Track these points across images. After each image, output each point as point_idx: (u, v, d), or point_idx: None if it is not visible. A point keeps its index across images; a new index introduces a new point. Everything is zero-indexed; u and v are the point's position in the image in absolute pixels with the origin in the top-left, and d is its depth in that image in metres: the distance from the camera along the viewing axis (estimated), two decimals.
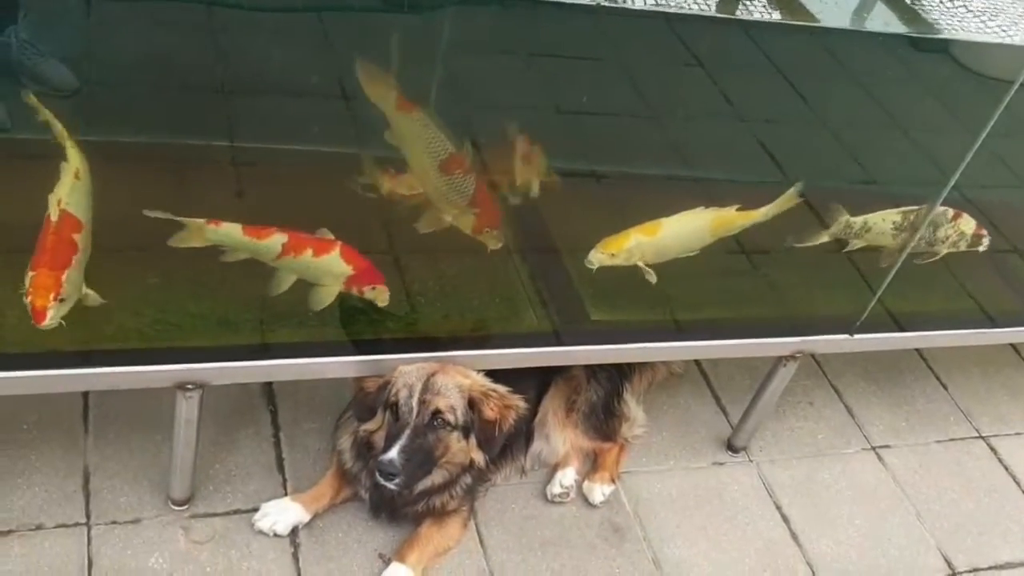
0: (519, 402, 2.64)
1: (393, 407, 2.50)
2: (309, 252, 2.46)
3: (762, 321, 3.09)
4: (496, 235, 2.67)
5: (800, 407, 3.52)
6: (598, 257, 2.68)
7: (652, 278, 2.73)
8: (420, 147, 2.52)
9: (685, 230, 2.78)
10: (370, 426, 2.58)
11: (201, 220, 2.38)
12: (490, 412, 2.56)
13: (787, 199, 2.83)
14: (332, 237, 2.51)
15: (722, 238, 2.85)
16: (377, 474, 2.47)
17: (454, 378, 2.53)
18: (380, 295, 2.56)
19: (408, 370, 2.53)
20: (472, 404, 2.53)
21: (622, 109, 2.96)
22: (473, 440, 2.57)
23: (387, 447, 2.46)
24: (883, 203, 3.20)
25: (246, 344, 2.54)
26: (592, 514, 2.96)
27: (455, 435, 2.53)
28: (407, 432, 2.46)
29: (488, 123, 2.82)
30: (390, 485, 2.48)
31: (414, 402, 2.47)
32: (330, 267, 2.49)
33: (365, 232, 2.53)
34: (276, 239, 2.42)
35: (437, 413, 2.48)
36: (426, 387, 2.49)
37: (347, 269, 2.50)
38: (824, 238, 2.99)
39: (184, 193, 2.64)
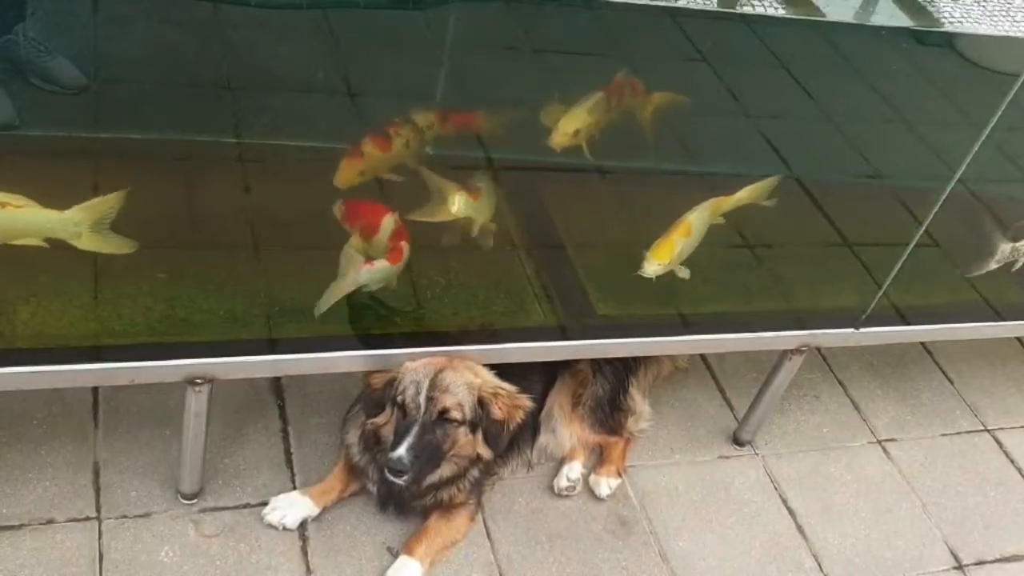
0: (526, 401, 2.66)
1: (401, 403, 2.51)
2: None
3: (767, 315, 3.10)
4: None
5: (805, 401, 3.53)
6: (654, 268, 2.68)
7: (687, 274, 2.77)
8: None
9: (702, 221, 2.82)
10: (378, 420, 2.60)
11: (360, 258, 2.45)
12: (499, 412, 2.57)
13: (768, 186, 2.87)
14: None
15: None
16: (386, 471, 2.49)
17: (462, 374, 2.54)
18: None
19: (415, 366, 2.54)
20: (481, 403, 2.55)
21: None
22: (480, 434, 2.58)
23: (395, 444, 2.47)
24: (887, 197, 3.22)
25: (255, 339, 2.55)
26: (598, 507, 2.97)
27: (462, 430, 2.55)
28: (415, 429, 2.47)
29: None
30: (399, 481, 2.50)
31: (422, 399, 2.48)
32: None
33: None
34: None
35: (445, 410, 2.50)
36: (433, 384, 2.50)
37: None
38: (992, 266, 3.05)
39: (190, 190, 2.65)
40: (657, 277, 2.71)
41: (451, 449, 2.56)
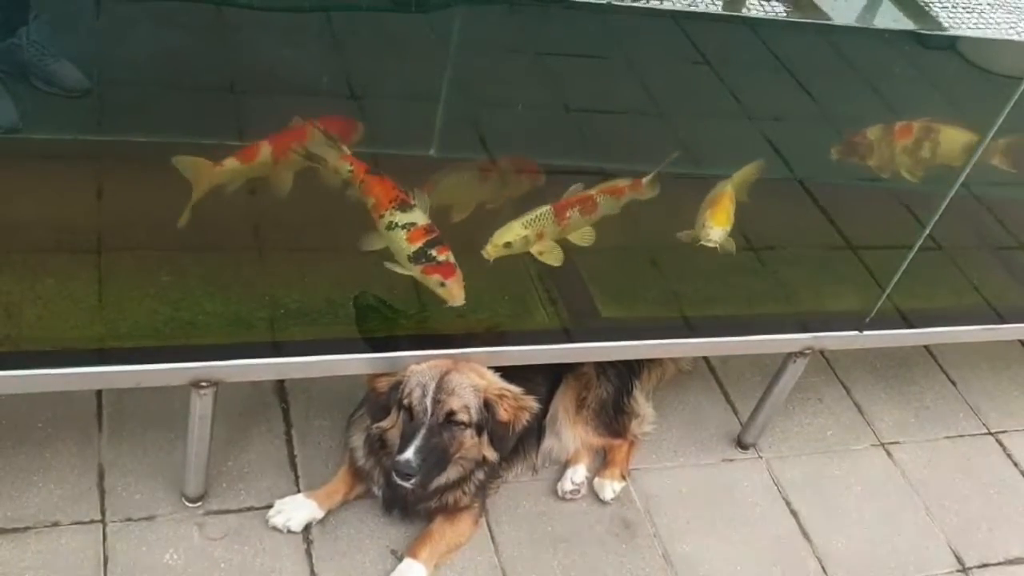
0: (532, 403, 2.65)
1: (407, 406, 2.51)
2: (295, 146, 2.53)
3: (771, 318, 3.09)
4: None
5: (809, 403, 3.52)
6: (718, 234, 2.72)
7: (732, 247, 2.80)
8: None
9: (735, 195, 2.86)
10: (384, 424, 2.59)
11: None
12: (504, 414, 2.57)
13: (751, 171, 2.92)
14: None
15: None
16: (393, 474, 2.48)
17: (467, 376, 2.54)
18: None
19: (421, 369, 2.54)
20: (487, 405, 2.55)
21: (629, 107, 2.97)
22: (485, 437, 2.58)
23: (403, 447, 2.47)
24: (891, 200, 3.21)
25: (260, 342, 2.55)
26: (603, 510, 2.97)
27: (468, 432, 2.54)
28: (422, 432, 2.47)
29: (496, 122, 2.83)
30: (407, 484, 2.49)
31: (428, 402, 2.48)
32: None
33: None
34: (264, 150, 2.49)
35: (451, 413, 2.49)
36: (440, 386, 2.49)
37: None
38: None
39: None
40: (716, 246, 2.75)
41: (457, 451, 2.56)
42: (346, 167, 2.52)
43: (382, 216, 2.48)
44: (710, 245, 2.72)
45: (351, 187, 2.53)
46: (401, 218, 2.47)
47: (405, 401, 2.50)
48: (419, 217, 2.49)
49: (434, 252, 2.47)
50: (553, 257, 2.69)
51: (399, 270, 2.51)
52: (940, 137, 2.98)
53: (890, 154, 2.93)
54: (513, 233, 2.59)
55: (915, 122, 2.97)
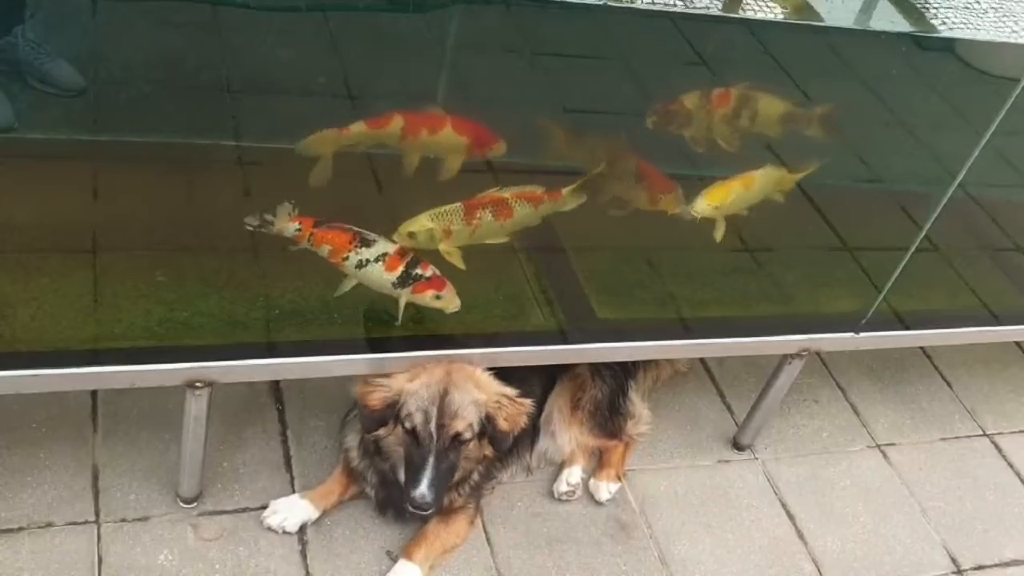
0: (528, 404, 2.64)
1: (411, 431, 2.47)
2: (424, 132, 2.55)
3: (767, 319, 3.10)
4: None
5: (805, 405, 3.52)
6: (702, 207, 2.71)
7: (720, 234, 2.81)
8: None
9: (764, 182, 2.84)
10: (380, 434, 2.56)
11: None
12: (505, 424, 2.56)
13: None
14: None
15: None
16: (409, 507, 2.47)
17: (468, 393, 2.50)
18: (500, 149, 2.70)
19: (417, 390, 2.48)
20: (488, 419, 2.53)
21: (627, 108, 2.97)
22: (486, 440, 2.56)
23: (414, 480, 2.44)
24: (888, 201, 3.22)
25: (255, 342, 2.54)
26: (598, 512, 2.97)
27: (473, 443, 2.53)
28: (431, 460, 2.44)
29: (494, 123, 2.83)
30: (425, 514, 2.50)
31: (432, 427, 2.45)
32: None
33: (374, 226, 2.53)
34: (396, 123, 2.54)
35: (457, 435, 2.48)
36: (442, 411, 2.45)
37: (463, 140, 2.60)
38: None
39: (189, 193, 2.65)
40: (702, 218, 2.74)
41: (463, 461, 2.56)
42: (292, 227, 2.48)
43: (346, 259, 2.48)
44: (691, 212, 2.72)
45: (296, 244, 2.50)
46: (370, 253, 2.48)
47: (407, 425, 2.47)
48: (387, 246, 2.50)
49: (418, 270, 2.49)
50: (456, 259, 2.62)
51: (402, 302, 2.53)
52: (758, 106, 2.92)
53: (708, 123, 2.89)
54: (418, 224, 2.54)
55: (732, 89, 2.90)
